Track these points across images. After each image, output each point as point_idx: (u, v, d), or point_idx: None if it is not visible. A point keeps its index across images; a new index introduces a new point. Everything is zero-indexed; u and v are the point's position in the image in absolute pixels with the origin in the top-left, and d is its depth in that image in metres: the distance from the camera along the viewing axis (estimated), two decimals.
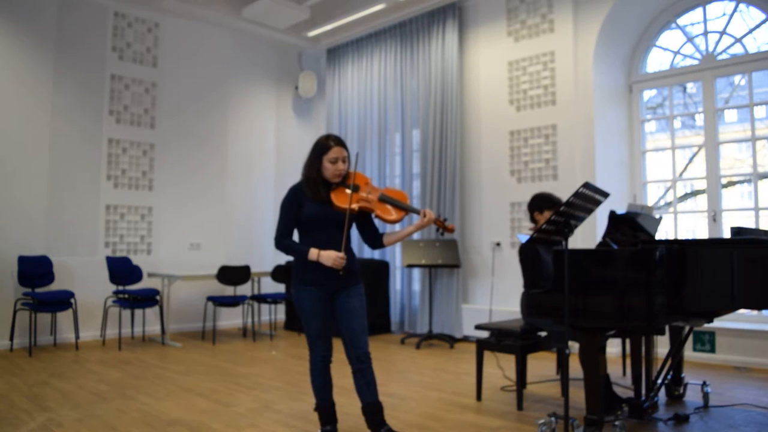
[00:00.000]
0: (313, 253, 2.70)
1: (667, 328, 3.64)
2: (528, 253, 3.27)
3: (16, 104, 5.82)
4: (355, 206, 2.76)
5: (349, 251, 2.82)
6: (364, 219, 2.92)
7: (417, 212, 2.81)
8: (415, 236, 6.63)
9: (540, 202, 3.78)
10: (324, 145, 2.78)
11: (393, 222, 2.82)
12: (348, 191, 2.79)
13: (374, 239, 2.93)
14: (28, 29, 5.90)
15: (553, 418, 2.94)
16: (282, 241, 2.78)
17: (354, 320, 2.77)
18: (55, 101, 6.06)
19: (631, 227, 3.38)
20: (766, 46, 5.15)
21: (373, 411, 2.76)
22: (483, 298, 6.09)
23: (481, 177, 6.24)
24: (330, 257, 2.68)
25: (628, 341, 3.93)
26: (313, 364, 2.82)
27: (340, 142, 2.80)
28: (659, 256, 2.79)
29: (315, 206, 2.76)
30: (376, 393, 2.78)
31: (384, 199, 2.82)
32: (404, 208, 2.83)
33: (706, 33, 5.39)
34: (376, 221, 2.94)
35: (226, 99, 7.41)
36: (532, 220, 3.89)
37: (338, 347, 2.81)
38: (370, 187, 2.85)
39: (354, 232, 2.94)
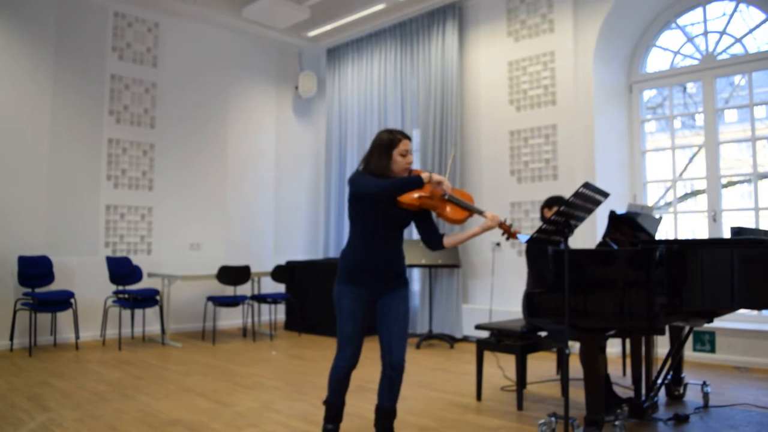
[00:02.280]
0: (426, 175, 2.60)
1: (667, 328, 3.64)
2: (536, 252, 3.28)
3: (16, 104, 5.82)
4: (417, 202, 2.63)
5: (396, 253, 2.75)
6: (423, 217, 2.80)
7: (481, 213, 2.69)
8: (415, 236, 6.63)
9: (550, 201, 4.01)
10: (391, 138, 2.68)
11: (455, 222, 2.71)
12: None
13: (433, 239, 2.78)
14: (28, 29, 5.90)
15: (553, 418, 2.94)
16: (386, 184, 2.59)
17: (395, 325, 2.71)
18: (55, 101, 6.06)
19: (631, 227, 3.38)
20: (766, 46, 5.16)
21: (385, 416, 2.75)
22: (483, 298, 6.09)
23: (481, 177, 6.24)
24: (439, 177, 2.63)
25: (628, 341, 3.93)
26: (336, 366, 2.73)
27: (406, 135, 2.72)
28: (659, 256, 2.79)
29: (382, 204, 2.65)
30: (395, 400, 2.76)
31: (449, 199, 2.70)
32: (468, 209, 2.71)
33: (706, 33, 5.39)
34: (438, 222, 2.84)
35: (226, 99, 7.41)
36: (542, 218, 4.00)
37: (367, 346, 2.78)
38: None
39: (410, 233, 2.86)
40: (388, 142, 2.68)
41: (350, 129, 7.57)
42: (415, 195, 2.64)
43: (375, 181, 2.61)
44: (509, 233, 2.72)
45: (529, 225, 5.80)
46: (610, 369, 3.47)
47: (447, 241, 2.76)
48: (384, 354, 2.73)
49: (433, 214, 2.79)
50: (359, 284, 2.68)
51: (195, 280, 6.39)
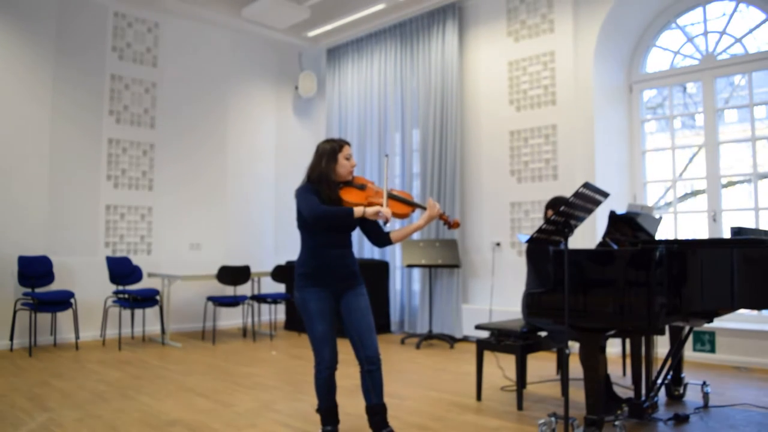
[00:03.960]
0: (359, 210, 2.68)
1: (667, 328, 3.65)
2: (536, 252, 3.27)
3: (16, 104, 5.82)
4: (364, 201, 2.79)
5: (349, 254, 2.85)
6: (369, 219, 2.90)
7: (423, 207, 2.86)
8: (416, 236, 6.63)
9: (554, 201, 3.98)
10: (334, 146, 2.84)
11: (401, 217, 2.86)
12: (357, 189, 2.85)
13: (380, 237, 2.93)
14: (28, 29, 5.90)
15: (553, 418, 2.94)
16: (318, 209, 2.67)
17: (362, 320, 2.77)
18: (55, 101, 6.06)
19: (631, 227, 3.38)
20: (766, 46, 5.16)
21: (376, 412, 2.77)
22: (483, 298, 6.09)
23: (481, 177, 6.24)
24: (375, 208, 2.68)
25: (628, 341, 3.93)
26: (318, 372, 2.77)
27: (346, 141, 2.90)
28: (659, 257, 2.79)
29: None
30: (381, 395, 2.78)
31: (390, 196, 2.84)
32: (411, 204, 2.87)
33: (706, 33, 5.39)
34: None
35: (226, 99, 7.41)
36: (546, 218, 3.99)
37: (342, 348, 2.81)
38: (375, 187, 2.92)
39: (357, 237, 2.94)
40: (331, 149, 2.85)
41: (350, 129, 7.56)
42: (363, 195, 2.82)
43: (311, 203, 2.70)
44: (447, 223, 2.88)
45: (529, 225, 5.80)
46: (610, 369, 3.48)
47: (395, 235, 2.89)
48: (357, 351, 2.78)
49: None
50: (320, 285, 2.76)
51: (195, 280, 6.39)
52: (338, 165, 2.82)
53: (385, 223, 2.74)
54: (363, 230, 2.95)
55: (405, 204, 2.86)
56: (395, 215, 2.83)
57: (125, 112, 6.56)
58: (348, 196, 2.81)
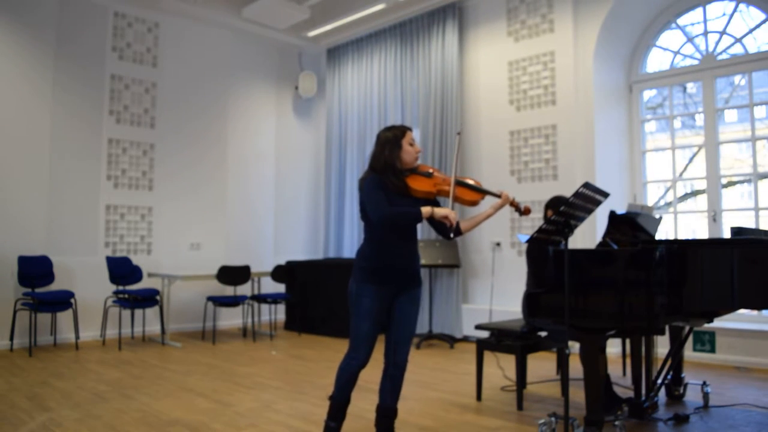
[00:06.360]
0: (427, 211, 2.58)
1: (667, 328, 3.64)
2: (536, 252, 3.27)
3: (17, 104, 5.82)
4: (433, 189, 2.69)
5: (414, 250, 2.76)
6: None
7: (495, 194, 2.75)
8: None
9: (553, 201, 3.95)
10: (396, 133, 2.74)
11: (472, 204, 2.74)
12: (424, 177, 2.73)
13: (449, 229, 2.78)
14: (28, 29, 5.90)
15: (553, 418, 2.94)
16: (385, 212, 2.59)
17: (406, 326, 2.73)
18: (55, 101, 6.06)
19: (631, 227, 3.38)
20: (766, 46, 5.16)
21: (386, 415, 2.75)
22: (483, 298, 6.09)
23: (482, 177, 6.22)
24: (444, 211, 2.57)
25: (628, 341, 3.93)
26: (347, 364, 2.71)
27: (408, 127, 2.80)
28: (659, 256, 2.79)
29: (399, 199, 2.68)
30: (397, 399, 2.77)
31: (459, 183, 2.74)
32: (481, 191, 2.76)
33: (706, 33, 5.39)
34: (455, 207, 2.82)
35: (226, 99, 7.41)
36: (545, 218, 3.98)
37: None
38: (442, 174, 2.79)
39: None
40: (394, 136, 2.74)
41: (350, 129, 7.56)
42: (430, 182, 2.70)
43: (377, 203, 2.61)
44: (520, 210, 2.77)
45: (529, 225, 5.80)
46: (610, 369, 3.48)
47: (464, 225, 2.76)
48: (389, 353, 2.75)
49: (449, 201, 2.75)
50: (379, 283, 2.67)
51: (195, 280, 6.39)
52: (403, 152, 2.71)
53: (450, 227, 2.61)
54: (430, 222, 2.81)
55: (475, 191, 2.75)
56: (465, 202, 2.73)
57: (125, 112, 6.56)
58: (415, 183, 2.69)
